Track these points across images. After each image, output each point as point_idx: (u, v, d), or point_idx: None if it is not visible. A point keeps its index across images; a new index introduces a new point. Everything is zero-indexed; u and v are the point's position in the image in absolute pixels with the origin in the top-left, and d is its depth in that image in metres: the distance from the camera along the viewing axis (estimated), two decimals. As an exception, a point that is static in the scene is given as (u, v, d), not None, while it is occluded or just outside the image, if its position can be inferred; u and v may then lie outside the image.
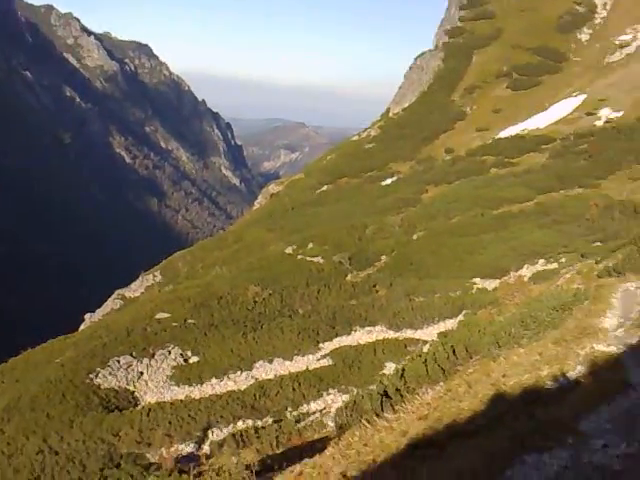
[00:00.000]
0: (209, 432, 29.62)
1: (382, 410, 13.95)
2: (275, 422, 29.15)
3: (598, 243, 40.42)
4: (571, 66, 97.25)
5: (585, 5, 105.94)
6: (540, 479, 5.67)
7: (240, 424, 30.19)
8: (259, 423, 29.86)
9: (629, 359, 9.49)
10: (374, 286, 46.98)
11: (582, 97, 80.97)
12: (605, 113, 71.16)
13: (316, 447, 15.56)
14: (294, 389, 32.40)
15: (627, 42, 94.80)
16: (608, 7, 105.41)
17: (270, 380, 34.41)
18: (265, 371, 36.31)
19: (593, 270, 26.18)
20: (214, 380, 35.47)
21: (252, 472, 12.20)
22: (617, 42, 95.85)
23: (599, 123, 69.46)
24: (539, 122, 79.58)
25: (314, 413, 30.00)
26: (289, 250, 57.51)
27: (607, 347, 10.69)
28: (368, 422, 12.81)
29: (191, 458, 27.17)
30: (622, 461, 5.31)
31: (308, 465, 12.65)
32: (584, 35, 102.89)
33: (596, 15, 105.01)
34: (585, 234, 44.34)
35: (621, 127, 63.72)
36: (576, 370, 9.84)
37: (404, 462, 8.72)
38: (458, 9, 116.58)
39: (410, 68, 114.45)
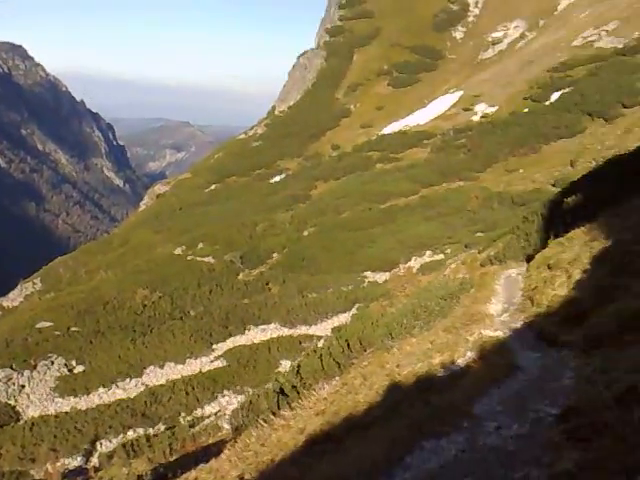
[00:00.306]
0: (97, 444, 28.58)
1: (279, 408, 13.81)
2: (168, 429, 28.56)
3: (480, 233, 41.96)
4: (447, 63, 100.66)
5: (458, 4, 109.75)
6: (439, 463, 5.73)
7: (131, 433, 29.38)
8: (151, 431, 29.15)
9: (515, 342, 9.89)
10: (267, 284, 46.84)
11: (459, 93, 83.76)
12: (481, 108, 73.75)
13: (212, 451, 15.24)
14: (187, 393, 31.79)
15: (499, 39, 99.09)
16: (480, 5, 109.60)
17: (162, 386, 33.63)
18: (156, 377, 35.45)
19: (476, 259, 27.10)
20: (101, 389, 34.29)
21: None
22: (490, 39, 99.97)
23: (476, 118, 71.86)
24: (420, 118, 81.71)
25: (209, 416, 29.56)
26: (178, 251, 56.46)
27: (494, 332, 11.09)
28: (265, 421, 12.63)
29: (79, 472, 26.18)
30: (515, 442, 5.40)
31: (204, 470, 12.31)
32: (458, 33, 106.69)
33: (469, 13, 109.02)
34: (467, 225, 46.01)
35: (496, 122, 66.25)
36: (466, 356, 10.11)
37: (302, 459, 8.64)
38: (337, 8, 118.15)
39: (294, 67, 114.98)
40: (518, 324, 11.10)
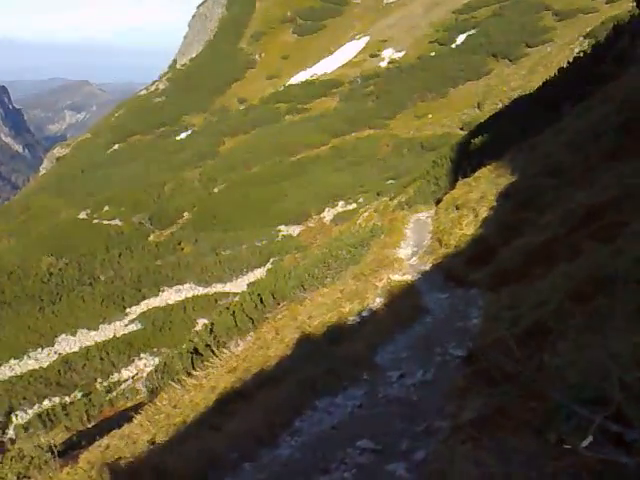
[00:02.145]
0: (12, 416, 27.52)
1: (193, 368, 13.39)
2: (84, 396, 27.77)
3: (391, 181, 42.17)
4: (352, 8, 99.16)
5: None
6: (331, 424, 5.24)
7: (46, 403, 28.56)
8: (67, 399, 28.32)
9: (424, 285, 9.79)
10: (179, 244, 45.93)
11: (365, 39, 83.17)
12: (388, 54, 73.57)
13: (129, 415, 14.63)
14: (102, 359, 30.99)
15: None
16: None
17: (75, 353, 32.78)
18: (69, 344, 34.55)
19: (389, 206, 27.06)
20: (13, 361, 33.06)
21: (54, 454, 11.09)
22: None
23: (383, 64, 71.71)
24: (327, 67, 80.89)
25: (126, 380, 28.93)
26: (83, 215, 54.53)
27: (403, 276, 11.00)
28: (178, 382, 12.17)
29: (-6, 445, 25.23)
30: (418, 391, 5.08)
31: (116, 436, 11.90)
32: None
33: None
34: (379, 173, 46.22)
35: (404, 67, 66.34)
36: (375, 302, 9.96)
37: (212, 419, 8.27)
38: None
39: (193, 17, 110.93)
40: (427, 266, 11.01)
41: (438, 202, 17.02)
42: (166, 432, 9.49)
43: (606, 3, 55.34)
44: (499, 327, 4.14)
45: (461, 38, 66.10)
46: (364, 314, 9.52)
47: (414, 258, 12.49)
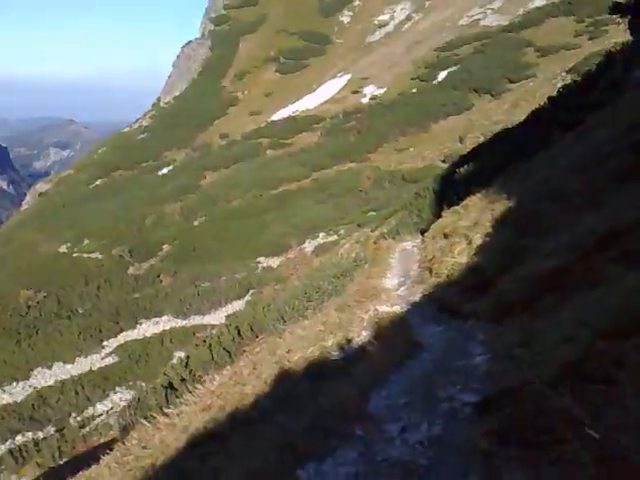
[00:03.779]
0: (-17, 451, 26.62)
1: (168, 404, 12.78)
2: (57, 431, 26.99)
3: (372, 212, 41.86)
4: (335, 48, 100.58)
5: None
6: None
7: (19, 438, 27.76)
8: (40, 434, 27.51)
9: (415, 317, 9.03)
10: (158, 276, 45.37)
11: (347, 77, 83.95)
12: (370, 90, 74.06)
13: (101, 452, 13.94)
14: (77, 393, 30.29)
15: (385, 21, 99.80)
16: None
17: (50, 387, 32.07)
18: (44, 378, 33.80)
19: (370, 238, 26.68)
20: (-14, 395, 32.10)
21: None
22: (376, 22, 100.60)
23: (365, 100, 72.09)
24: (309, 103, 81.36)
25: (100, 415, 28.14)
26: (63, 249, 53.99)
27: (391, 307, 10.26)
28: (148, 420, 11.52)
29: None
30: (427, 450, 4.07)
31: (82, 478, 11.20)
32: (345, 17, 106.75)
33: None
34: (360, 205, 45.96)
35: (385, 103, 66.65)
36: (361, 336, 9.23)
37: (183, 462, 7.65)
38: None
39: (178, 57, 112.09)
40: (417, 297, 10.26)
41: (423, 232, 16.59)
42: (133, 476, 8.89)
43: (588, 40, 56.03)
44: (515, 368, 3.50)
45: (442, 75, 66.59)
46: (349, 349, 8.78)
47: (402, 288, 11.80)
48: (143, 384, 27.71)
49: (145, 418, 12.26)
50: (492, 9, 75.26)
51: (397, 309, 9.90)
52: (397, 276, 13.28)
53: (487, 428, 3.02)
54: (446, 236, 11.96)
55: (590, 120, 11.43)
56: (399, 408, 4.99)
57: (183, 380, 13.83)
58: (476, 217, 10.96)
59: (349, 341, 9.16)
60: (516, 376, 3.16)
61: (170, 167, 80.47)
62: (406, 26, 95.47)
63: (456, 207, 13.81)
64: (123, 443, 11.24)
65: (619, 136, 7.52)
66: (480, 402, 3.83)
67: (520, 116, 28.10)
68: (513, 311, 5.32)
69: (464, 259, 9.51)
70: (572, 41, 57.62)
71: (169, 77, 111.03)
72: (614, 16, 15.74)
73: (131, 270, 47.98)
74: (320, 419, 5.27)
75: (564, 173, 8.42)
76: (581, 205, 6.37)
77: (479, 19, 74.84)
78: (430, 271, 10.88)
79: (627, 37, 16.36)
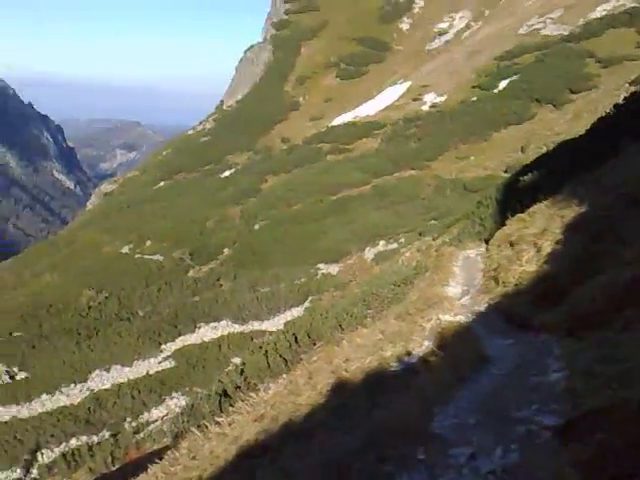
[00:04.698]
0: (38, 454, 26.98)
1: (221, 412, 12.65)
2: (112, 436, 27.22)
3: (434, 221, 41.34)
4: (394, 55, 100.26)
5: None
6: None
7: (73, 442, 28.07)
8: (95, 439, 27.83)
9: (480, 327, 8.54)
10: (218, 280, 45.60)
11: (407, 84, 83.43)
12: (430, 98, 73.40)
13: (153, 460, 13.95)
14: (133, 397, 30.44)
15: (445, 30, 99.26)
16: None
17: (107, 390, 32.32)
18: (102, 381, 34.02)
19: (431, 246, 26.24)
20: (44, 396, 32.62)
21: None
22: (436, 30, 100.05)
23: (425, 108, 71.45)
24: (369, 109, 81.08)
25: (155, 421, 28.26)
26: (125, 250, 54.78)
27: (454, 317, 9.76)
28: (200, 429, 11.39)
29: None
30: None
31: (128, 489, 11.17)
32: (405, 24, 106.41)
33: (414, 5, 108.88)
34: (421, 213, 45.44)
35: (445, 110, 65.95)
36: (423, 346, 8.77)
37: (229, 478, 7.43)
38: (283, 2, 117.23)
39: (241, 61, 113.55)
40: (482, 307, 9.82)
41: (487, 241, 16.12)
42: (181, 488, 8.78)
43: (651, 51, 54.61)
44: (601, 387, 3.07)
45: (503, 84, 65.45)
46: (410, 360, 8.32)
47: (466, 297, 11.38)
48: (199, 390, 27.78)
49: (197, 426, 12.16)
50: (552, 19, 73.70)
51: (461, 319, 9.48)
52: (460, 285, 12.89)
53: (574, 458, 2.61)
54: (512, 244, 11.51)
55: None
56: (468, 429, 4.45)
57: (238, 388, 13.70)
58: (544, 224, 10.47)
59: (410, 352, 8.74)
60: (603, 396, 2.78)
61: (232, 170, 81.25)
62: (465, 34, 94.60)
63: (521, 215, 13.31)
64: (173, 452, 11.15)
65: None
66: (563, 426, 3.35)
67: (582, 127, 27.31)
68: (591, 324, 4.88)
69: (533, 267, 9.03)
70: (633, 52, 56.05)
71: (232, 80, 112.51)
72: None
73: (191, 273, 48.33)
74: (376, 437, 4.74)
75: (639, 179, 7.95)
76: None
77: (539, 28, 73.37)
78: (496, 280, 10.42)
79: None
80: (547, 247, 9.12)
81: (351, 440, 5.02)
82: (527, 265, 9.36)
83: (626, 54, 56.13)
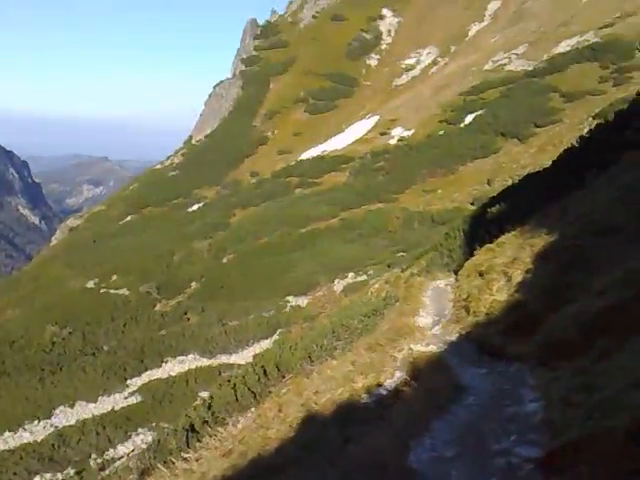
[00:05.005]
0: (-1, 495, 26.19)
1: (188, 447, 12.28)
2: (77, 473, 26.46)
3: (402, 253, 41.45)
4: (362, 90, 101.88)
5: (371, 32, 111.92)
6: None
7: (37, 480, 27.14)
8: (59, 476, 27.04)
9: (453, 357, 8.44)
10: (185, 314, 45.12)
11: (375, 118, 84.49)
12: (397, 132, 74.30)
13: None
14: (98, 433, 29.68)
15: (412, 65, 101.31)
16: (393, 33, 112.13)
17: (71, 427, 31.45)
18: (66, 417, 33.24)
19: (400, 278, 26.24)
20: (7, 433, 31.76)
21: None
22: (403, 66, 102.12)
23: (393, 142, 72.23)
24: (337, 143, 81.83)
25: (121, 457, 27.54)
26: (91, 285, 54.07)
27: (426, 347, 9.65)
28: (167, 465, 11.04)
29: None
30: None
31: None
32: (373, 60, 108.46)
33: (382, 41, 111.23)
34: (389, 245, 45.60)
35: (413, 144, 66.74)
36: (395, 377, 8.63)
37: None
38: (253, 39, 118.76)
39: (210, 96, 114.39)
40: (453, 336, 9.75)
41: (456, 271, 16.14)
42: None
43: (613, 86, 55.88)
44: (578, 417, 2.98)
45: (469, 118, 66.61)
46: (381, 391, 8.19)
47: (437, 327, 11.31)
48: (166, 425, 27.22)
49: (164, 462, 11.82)
50: (516, 54, 75.58)
51: (433, 349, 9.37)
52: (431, 314, 12.79)
53: None
54: (481, 274, 11.48)
55: (628, 158, 11.02)
56: (446, 462, 4.26)
57: (205, 422, 13.35)
58: (513, 254, 10.46)
59: (381, 383, 8.57)
60: (584, 427, 2.66)
61: (200, 204, 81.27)
62: (432, 70, 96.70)
63: (490, 245, 13.35)
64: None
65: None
66: (543, 457, 3.20)
67: (547, 160, 27.74)
68: (564, 353, 4.79)
69: (504, 296, 8.98)
70: (597, 87, 57.43)
71: (201, 116, 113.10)
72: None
73: (158, 307, 47.85)
74: (352, 475, 4.52)
75: (608, 208, 7.96)
76: (630, 239, 5.89)
77: (504, 64, 75.14)
78: (467, 309, 10.36)
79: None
80: (517, 276, 9.10)
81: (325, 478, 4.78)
82: (498, 294, 9.32)
83: (590, 89, 57.48)
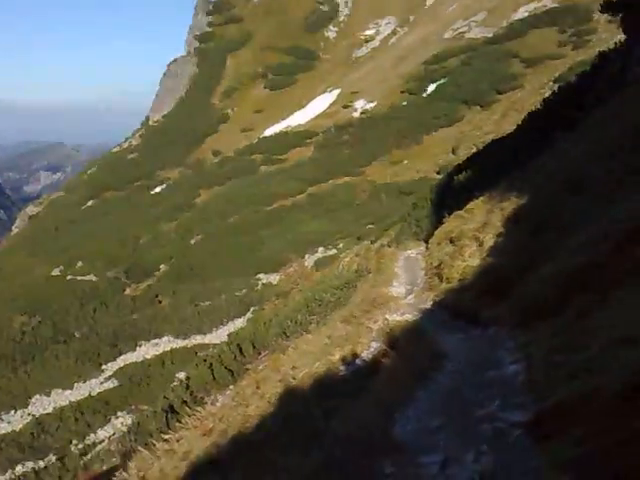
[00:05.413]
0: (-18, 484, 26.09)
1: (169, 428, 12.30)
2: (58, 460, 26.38)
3: (371, 225, 41.61)
4: (323, 63, 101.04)
5: (328, 4, 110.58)
6: None
7: (19, 468, 27.21)
8: (41, 464, 26.91)
9: (429, 325, 8.32)
10: (156, 297, 44.86)
11: (337, 92, 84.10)
12: (360, 105, 74.09)
13: (103, 482, 13.42)
14: (77, 419, 29.68)
15: (371, 37, 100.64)
16: (350, 4, 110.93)
17: (49, 414, 31.42)
18: (43, 405, 33.25)
19: (370, 250, 26.35)
20: (-16, 424, 31.54)
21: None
22: (362, 37, 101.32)
23: (356, 114, 72.10)
24: (300, 118, 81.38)
25: (102, 442, 27.53)
26: (56, 272, 53.55)
27: (402, 316, 9.60)
28: (148, 447, 11.02)
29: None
30: None
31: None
32: (331, 33, 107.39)
33: (340, 13, 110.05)
34: (357, 219, 45.71)
35: (376, 116, 66.65)
36: (372, 348, 8.59)
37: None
38: (205, 14, 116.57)
39: (164, 75, 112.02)
40: (428, 304, 9.69)
41: (427, 240, 16.22)
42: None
43: (572, 49, 56.45)
44: (563, 377, 2.89)
45: (431, 87, 66.80)
46: (359, 362, 8.13)
47: (411, 296, 11.26)
48: (145, 407, 27.23)
49: (145, 444, 11.81)
50: (475, 22, 75.69)
51: (408, 317, 9.30)
52: (404, 284, 12.86)
53: (554, 458, 2.35)
54: (452, 241, 11.55)
55: (595, 116, 11.10)
56: (432, 433, 4.08)
57: (184, 402, 13.36)
58: (484, 219, 10.47)
59: (358, 354, 8.56)
60: (572, 387, 2.57)
61: (163, 186, 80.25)
62: (392, 40, 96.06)
63: (459, 212, 13.41)
64: (122, 472, 10.77)
65: (629, 129, 7.14)
66: (532, 421, 3.08)
67: (511, 126, 27.88)
68: (541, 314, 4.72)
69: (476, 262, 8.98)
70: (556, 51, 58.04)
71: (157, 95, 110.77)
72: (606, 15, 15.49)
73: (128, 291, 47.49)
74: (336, 450, 4.31)
75: (579, 164, 7.98)
76: (605, 196, 5.86)
77: (464, 32, 75.24)
78: (440, 277, 10.38)
79: (611, 42, 16.36)
80: (489, 241, 9.10)
81: (308, 461, 4.60)
82: (470, 260, 9.33)
83: (549, 53, 58.03)
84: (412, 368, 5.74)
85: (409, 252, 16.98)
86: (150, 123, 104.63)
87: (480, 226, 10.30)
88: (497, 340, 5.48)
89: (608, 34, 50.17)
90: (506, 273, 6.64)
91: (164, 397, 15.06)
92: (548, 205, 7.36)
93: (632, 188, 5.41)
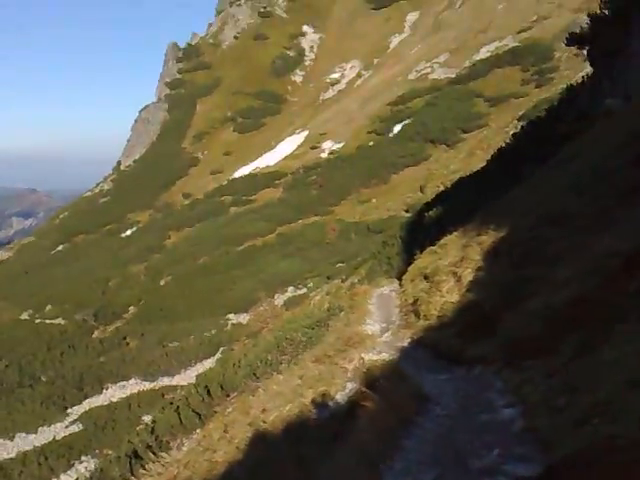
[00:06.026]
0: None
1: (132, 474, 11.77)
2: (19, 508, 25.36)
3: (340, 264, 41.43)
4: (290, 106, 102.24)
5: (294, 49, 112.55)
6: None
7: (-22, 518, 26.09)
8: (1, 513, 25.91)
9: (408, 364, 7.81)
10: (124, 339, 44.10)
11: (304, 133, 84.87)
12: (328, 146, 74.69)
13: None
14: (40, 464, 28.83)
15: (337, 80, 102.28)
16: (315, 49, 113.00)
17: (12, 459, 30.53)
18: (6, 450, 32.44)
19: (341, 288, 26.12)
20: (-56, 470, 30.38)
21: None
22: (328, 80, 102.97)
23: (324, 155, 72.60)
24: (269, 160, 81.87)
25: (64, 487, 26.63)
26: (25, 316, 52.93)
27: (379, 355, 9.12)
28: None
29: None
30: None
31: None
32: (298, 77, 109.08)
33: (305, 57, 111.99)
34: (327, 257, 45.51)
35: (344, 156, 67.14)
36: (347, 389, 8.14)
37: None
38: (175, 62, 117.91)
39: (136, 121, 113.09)
40: (405, 342, 9.27)
41: (399, 277, 15.98)
42: None
43: (535, 87, 57.41)
44: (570, 423, 2.54)
45: (397, 127, 67.53)
46: (333, 405, 7.73)
47: (387, 334, 10.88)
48: (109, 452, 26.46)
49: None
50: (438, 63, 77.08)
51: (386, 356, 8.84)
52: (379, 322, 12.47)
53: None
54: (427, 277, 11.29)
55: (565, 150, 11.08)
56: None
57: (149, 447, 12.83)
58: (460, 253, 10.14)
59: (332, 396, 8.13)
60: (581, 436, 2.23)
61: (134, 229, 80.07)
62: (357, 83, 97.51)
63: (432, 247, 13.21)
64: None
65: (617, 151, 7.02)
66: (543, 477, 2.60)
67: (477, 164, 28.07)
68: (532, 352, 4.39)
69: (455, 297, 8.63)
70: (520, 90, 58.95)
71: (128, 141, 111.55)
72: (573, 47, 15.67)
73: (96, 334, 46.78)
74: None
75: (559, 196, 7.80)
76: (590, 227, 5.64)
77: (427, 73, 76.57)
78: (416, 314, 10.05)
79: (574, 78, 16.59)
80: (468, 275, 8.74)
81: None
82: (448, 295, 8.99)
83: (513, 92, 58.95)
84: (395, 412, 5.22)
85: (382, 289, 16.65)
86: (122, 168, 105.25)
87: (457, 261, 9.99)
88: (484, 381, 5.11)
89: (570, 71, 51.33)
90: (489, 308, 6.28)
91: (128, 441, 14.48)
92: (529, 238, 7.13)
93: (613, 221, 5.23)
